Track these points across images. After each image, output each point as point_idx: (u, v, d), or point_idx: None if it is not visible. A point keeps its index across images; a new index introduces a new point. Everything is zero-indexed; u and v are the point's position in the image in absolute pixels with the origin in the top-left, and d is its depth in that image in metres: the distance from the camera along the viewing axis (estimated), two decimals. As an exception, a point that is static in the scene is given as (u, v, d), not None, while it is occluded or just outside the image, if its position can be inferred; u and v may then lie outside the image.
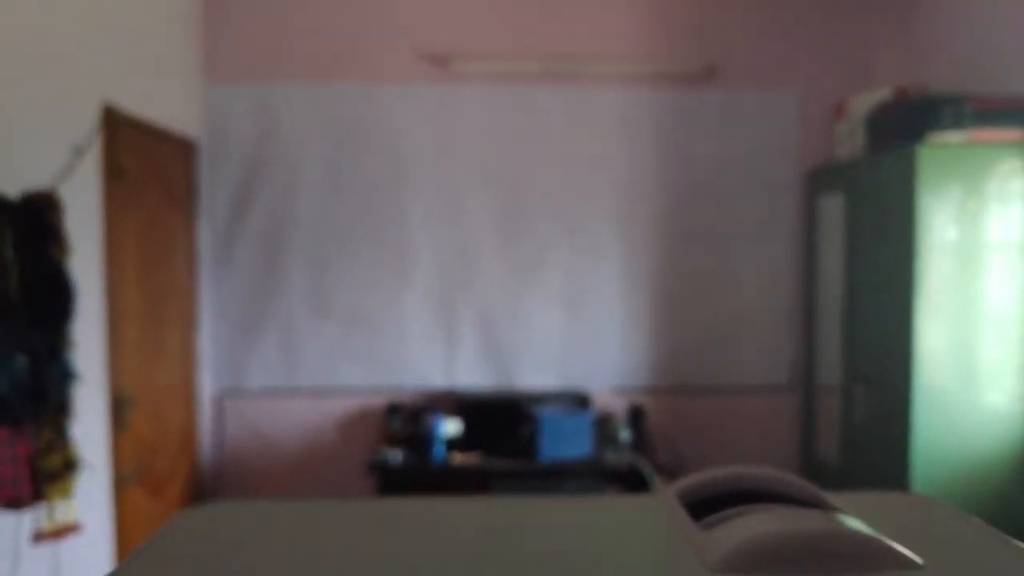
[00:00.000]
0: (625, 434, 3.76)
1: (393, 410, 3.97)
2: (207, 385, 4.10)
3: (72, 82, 2.84)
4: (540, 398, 3.77)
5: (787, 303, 4.23)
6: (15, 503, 2.35)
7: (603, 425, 3.96)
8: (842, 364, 3.73)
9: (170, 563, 0.72)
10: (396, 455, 3.59)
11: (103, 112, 3.00)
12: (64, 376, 2.55)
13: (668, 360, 4.21)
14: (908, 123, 3.19)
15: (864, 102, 3.66)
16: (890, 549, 0.68)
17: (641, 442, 3.87)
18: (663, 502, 0.82)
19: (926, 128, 3.10)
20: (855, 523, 0.71)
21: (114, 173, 3.07)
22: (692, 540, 0.71)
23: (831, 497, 0.79)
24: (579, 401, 3.76)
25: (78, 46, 2.88)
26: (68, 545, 2.65)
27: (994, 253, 3.13)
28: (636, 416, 4.01)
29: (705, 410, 4.21)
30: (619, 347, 4.20)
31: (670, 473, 3.58)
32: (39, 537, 2.55)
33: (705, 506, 0.78)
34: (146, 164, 3.38)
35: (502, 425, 3.70)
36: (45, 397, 2.43)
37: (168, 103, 3.66)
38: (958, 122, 3.06)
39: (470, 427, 3.76)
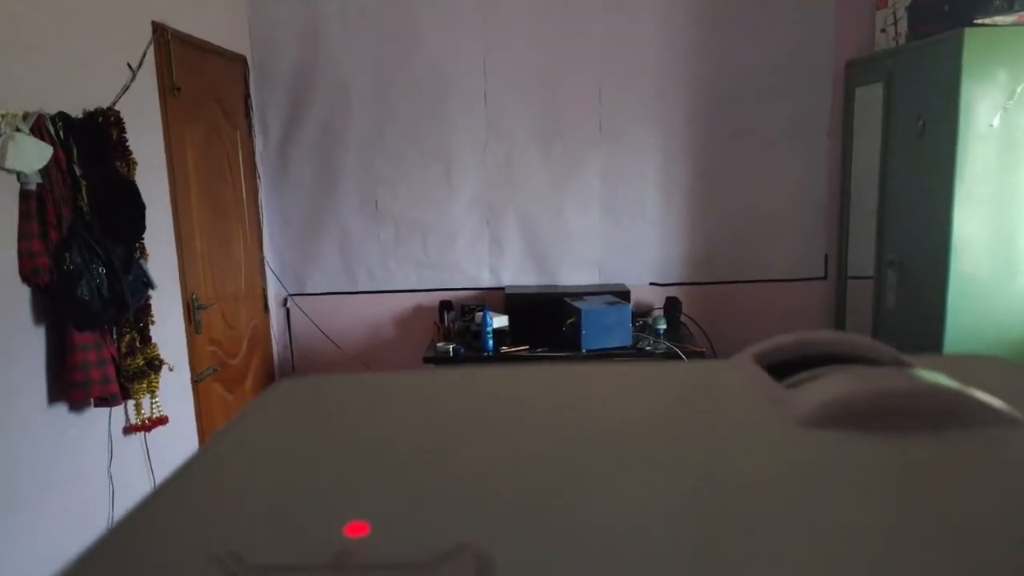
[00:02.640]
0: (662, 325, 3.70)
1: (445, 307, 3.96)
2: (273, 290, 4.12)
3: (123, 2, 2.72)
4: (582, 293, 3.71)
5: (822, 196, 4.03)
6: (106, 401, 2.39)
7: (641, 317, 3.91)
8: (876, 254, 3.57)
9: (273, 428, 0.67)
10: (450, 348, 3.59)
11: (154, 30, 2.89)
12: (140, 284, 2.54)
13: (704, 255, 4.09)
14: (954, 7, 2.92)
15: (905, -12, 3.37)
16: (988, 405, 0.60)
17: (677, 332, 3.81)
18: (736, 366, 0.75)
19: (974, 11, 2.82)
20: (945, 380, 0.63)
21: (170, 90, 2.98)
22: (777, 399, 0.64)
23: (910, 358, 0.71)
24: (619, 295, 3.68)
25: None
26: (156, 436, 2.71)
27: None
28: (673, 308, 3.94)
29: (740, 302, 4.10)
30: (656, 244, 4.08)
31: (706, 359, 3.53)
32: (129, 430, 2.62)
33: (781, 370, 0.71)
34: (200, 80, 3.27)
35: (547, 319, 3.65)
36: (124, 304, 2.43)
37: (216, 19, 3.52)
38: (1009, 3, 2.78)
39: (517, 322, 3.73)
